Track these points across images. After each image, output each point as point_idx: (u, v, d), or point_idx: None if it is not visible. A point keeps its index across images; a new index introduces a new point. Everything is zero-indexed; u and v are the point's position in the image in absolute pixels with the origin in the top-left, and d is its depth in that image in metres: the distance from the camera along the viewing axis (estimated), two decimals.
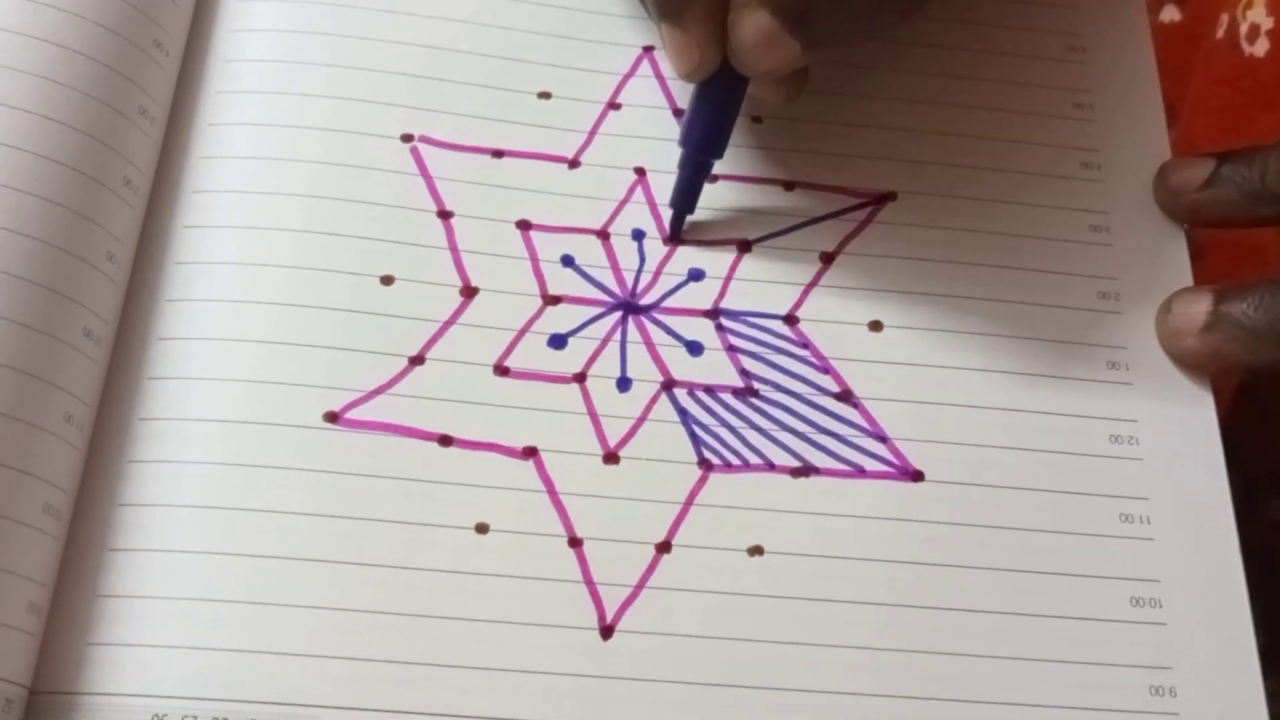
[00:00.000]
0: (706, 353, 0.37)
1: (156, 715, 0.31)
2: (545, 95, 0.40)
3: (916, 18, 0.36)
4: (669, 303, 0.38)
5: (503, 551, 0.34)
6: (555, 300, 0.37)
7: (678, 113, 0.40)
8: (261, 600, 0.33)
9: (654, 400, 0.36)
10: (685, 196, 0.38)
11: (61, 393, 0.33)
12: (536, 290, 0.37)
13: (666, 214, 0.39)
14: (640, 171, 0.39)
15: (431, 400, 0.35)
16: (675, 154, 0.39)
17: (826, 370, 0.37)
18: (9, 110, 0.34)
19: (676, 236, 0.38)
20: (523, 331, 0.37)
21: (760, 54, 0.35)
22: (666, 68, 0.40)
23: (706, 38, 0.35)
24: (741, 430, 0.36)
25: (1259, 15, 0.49)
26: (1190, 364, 0.38)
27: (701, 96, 0.37)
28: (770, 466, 0.36)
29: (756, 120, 0.40)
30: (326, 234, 0.37)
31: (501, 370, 0.36)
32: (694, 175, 0.38)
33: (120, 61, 0.36)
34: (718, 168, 0.39)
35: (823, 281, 0.38)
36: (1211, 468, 0.36)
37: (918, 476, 0.36)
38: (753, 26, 0.35)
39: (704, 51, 0.35)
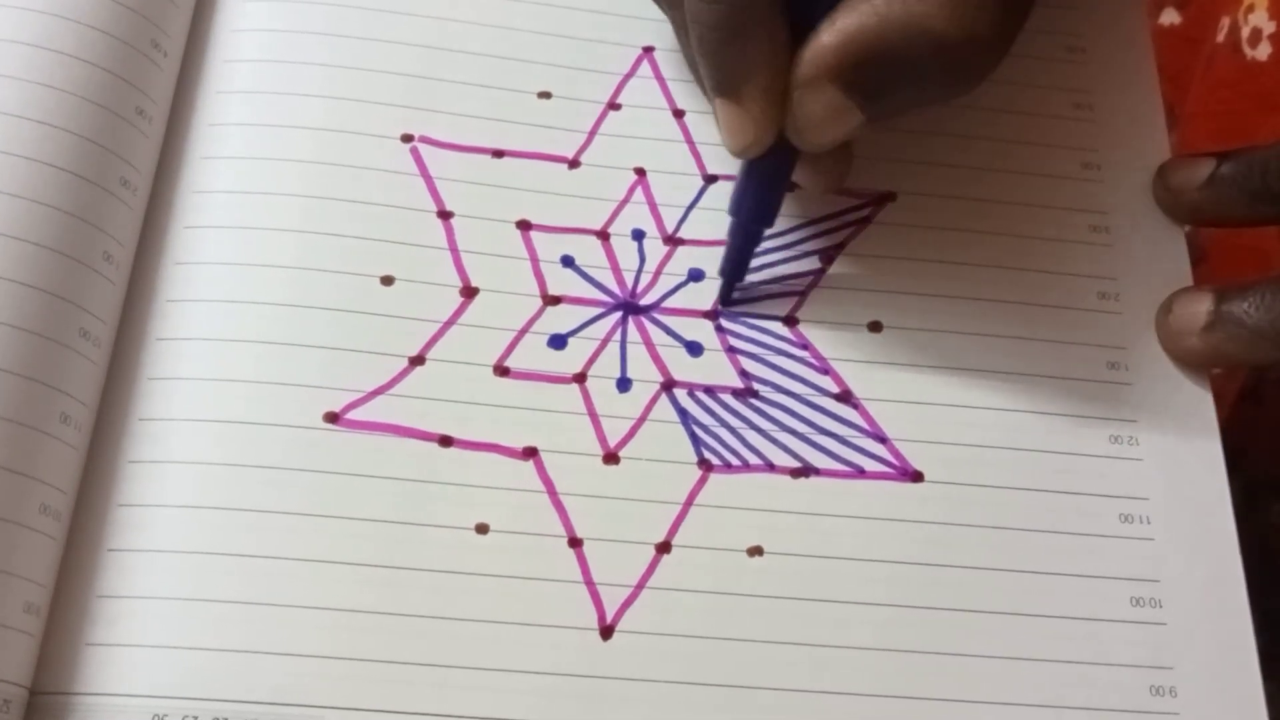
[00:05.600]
0: (706, 353, 0.37)
1: (156, 715, 0.31)
2: (545, 95, 0.40)
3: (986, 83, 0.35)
4: (669, 303, 0.38)
5: (503, 552, 0.34)
6: (555, 300, 0.37)
7: (678, 113, 0.40)
8: (261, 600, 0.33)
9: (654, 400, 0.36)
10: (736, 265, 0.37)
11: (59, 394, 0.33)
12: (536, 290, 0.37)
13: (671, 215, 0.39)
14: (640, 172, 0.39)
15: (431, 400, 0.35)
16: (675, 154, 0.40)
17: (826, 371, 0.37)
18: (4, 115, 0.34)
19: (728, 302, 0.38)
20: (523, 332, 0.37)
21: (824, 130, 0.34)
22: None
23: (764, 114, 0.34)
24: (741, 431, 0.36)
25: (1260, 19, 0.49)
26: (1191, 364, 0.38)
27: (752, 170, 0.36)
28: (770, 467, 0.36)
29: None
30: (326, 234, 0.37)
31: (501, 370, 0.36)
32: (744, 244, 0.37)
33: (117, 63, 0.36)
34: (719, 168, 0.39)
35: (822, 282, 0.38)
36: (1211, 468, 0.36)
37: (917, 477, 0.36)
38: (822, 103, 0.34)
39: (760, 129, 0.35)
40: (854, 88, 0.33)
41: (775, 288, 0.38)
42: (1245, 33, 0.49)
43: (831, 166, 0.38)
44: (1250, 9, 0.49)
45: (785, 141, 0.35)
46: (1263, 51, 0.49)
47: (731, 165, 0.39)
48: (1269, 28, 0.49)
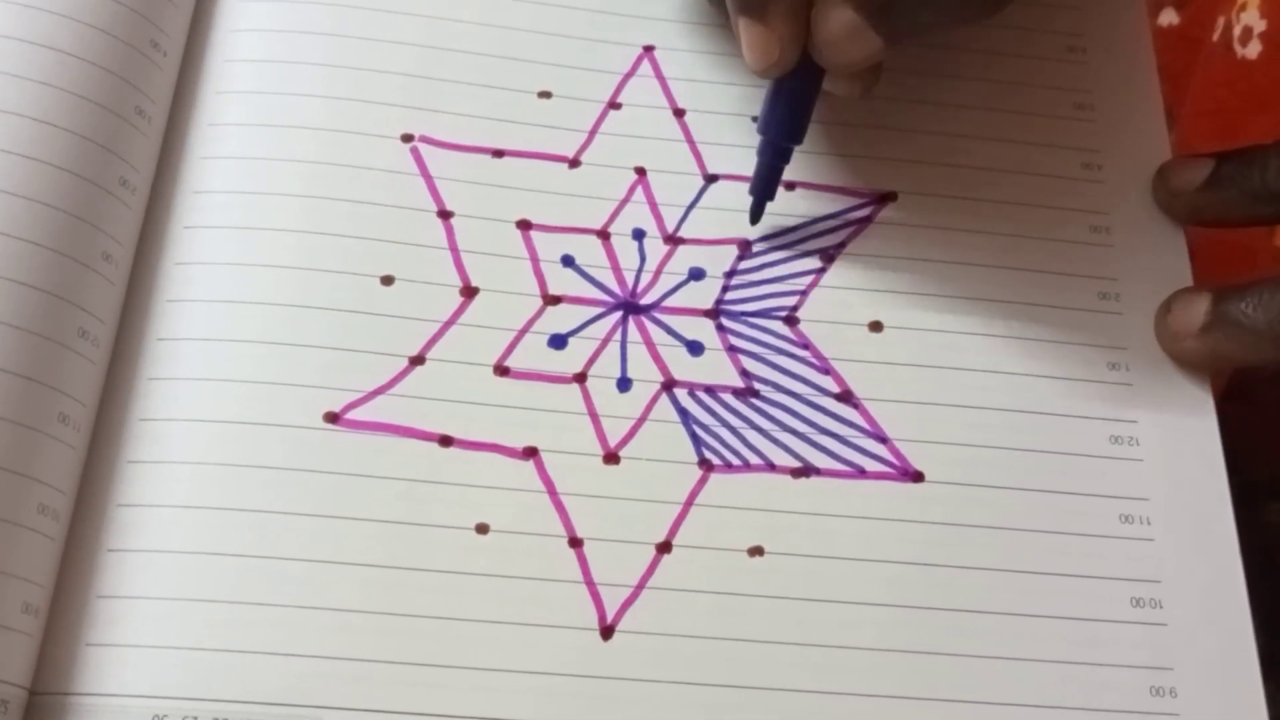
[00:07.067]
0: (707, 353, 0.37)
1: (156, 716, 0.31)
2: (545, 95, 0.40)
3: (1008, 6, 0.35)
4: (669, 302, 0.38)
5: (503, 552, 0.34)
6: (555, 300, 0.37)
7: (678, 112, 0.40)
8: (261, 601, 0.33)
9: (654, 400, 0.36)
10: (766, 184, 0.38)
11: (59, 394, 0.33)
12: (537, 290, 0.37)
13: (672, 215, 0.39)
14: (640, 171, 0.39)
15: (432, 400, 0.35)
16: (675, 153, 0.40)
17: (827, 371, 0.37)
18: (3, 114, 0.34)
19: (757, 220, 0.38)
20: (523, 331, 0.37)
21: (843, 49, 0.35)
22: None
23: (788, 33, 0.35)
24: (742, 430, 0.36)
25: (1251, 18, 0.49)
26: (1190, 364, 0.38)
27: (780, 86, 0.37)
28: (770, 467, 0.36)
29: (756, 120, 0.40)
30: (326, 234, 0.37)
31: (502, 370, 0.36)
32: (774, 162, 0.38)
33: (116, 63, 0.36)
34: (719, 168, 0.39)
35: (823, 282, 0.38)
36: (1211, 468, 0.36)
37: (918, 477, 0.36)
38: (837, 22, 0.34)
39: (784, 47, 0.35)
40: (866, 6, 0.34)
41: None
42: (1237, 31, 0.49)
43: (861, 74, 0.38)
44: (1242, 8, 0.49)
45: (810, 61, 0.36)
46: (1253, 50, 0.49)
47: (732, 165, 0.40)
48: (1259, 26, 0.49)
